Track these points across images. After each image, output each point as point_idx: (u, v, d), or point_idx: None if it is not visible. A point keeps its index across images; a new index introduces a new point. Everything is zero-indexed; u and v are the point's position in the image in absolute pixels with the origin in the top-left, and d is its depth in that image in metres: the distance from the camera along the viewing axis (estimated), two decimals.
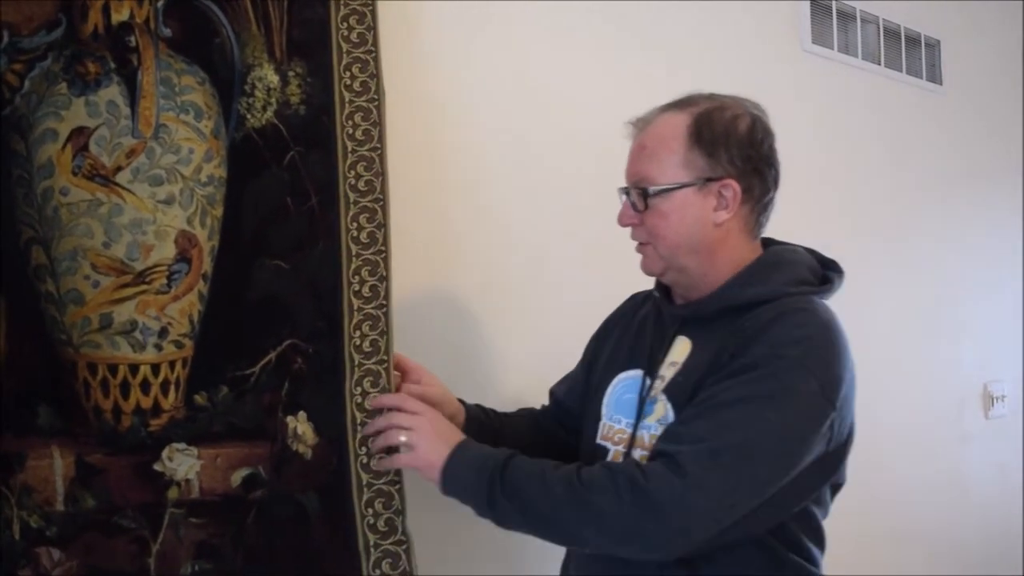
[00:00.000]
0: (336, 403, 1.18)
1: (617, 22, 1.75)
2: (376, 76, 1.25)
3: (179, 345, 1.12)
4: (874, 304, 2.31)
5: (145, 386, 1.09)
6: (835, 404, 1.06)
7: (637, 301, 1.34)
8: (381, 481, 1.17)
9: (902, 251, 2.51)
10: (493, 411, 1.35)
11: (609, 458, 1.18)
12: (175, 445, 1.10)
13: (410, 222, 1.40)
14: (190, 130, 1.13)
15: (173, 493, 1.10)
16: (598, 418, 1.24)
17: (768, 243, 1.23)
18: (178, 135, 1.12)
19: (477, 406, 1.33)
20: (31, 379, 1.03)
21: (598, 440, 1.22)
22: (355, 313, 1.20)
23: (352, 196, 1.21)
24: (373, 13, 1.27)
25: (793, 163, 2.08)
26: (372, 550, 1.16)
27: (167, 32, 1.12)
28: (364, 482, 1.17)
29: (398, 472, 1.17)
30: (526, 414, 1.40)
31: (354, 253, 1.21)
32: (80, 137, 1.06)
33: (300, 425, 1.17)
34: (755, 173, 1.15)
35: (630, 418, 1.18)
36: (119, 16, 1.09)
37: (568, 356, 1.41)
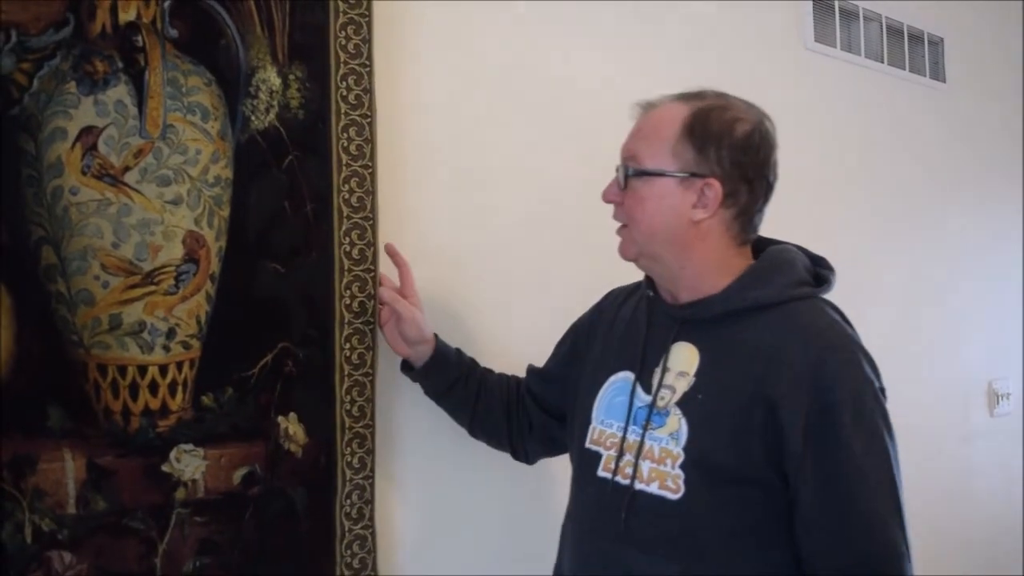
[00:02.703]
0: (327, 407, 1.25)
1: (618, 20, 1.75)
2: (369, 92, 1.28)
3: (187, 346, 1.12)
4: (877, 301, 2.30)
5: (153, 387, 1.10)
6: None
7: (617, 298, 1.33)
8: (359, 476, 1.27)
9: (905, 249, 2.51)
10: (471, 363, 1.37)
11: (601, 463, 1.18)
12: (183, 446, 1.12)
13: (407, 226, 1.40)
14: (197, 131, 1.13)
15: (180, 494, 1.11)
16: (588, 422, 1.23)
17: (759, 241, 1.21)
18: (185, 136, 1.12)
19: (456, 350, 1.35)
20: (41, 380, 1.03)
21: (587, 444, 1.22)
22: (345, 326, 1.26)
23: (346, 211, 1.25)
24: (369, 25, 1.28)
25: (796, 161, 2.09)
26: (346, 534, 1.26)
27: (173, 33, 1.12)
28: (347, 478, 1.26)
29: (371, 468, 1.29)
30: (502, 386, 1.39)
31: (346, 267, 1.25)
32: (89, 136, 1.06)
33: (291, 426, 1.21)
34: (743, 180, 1.12)
35: (621, 421, 1.18)
36: (126, 16, 1.09)
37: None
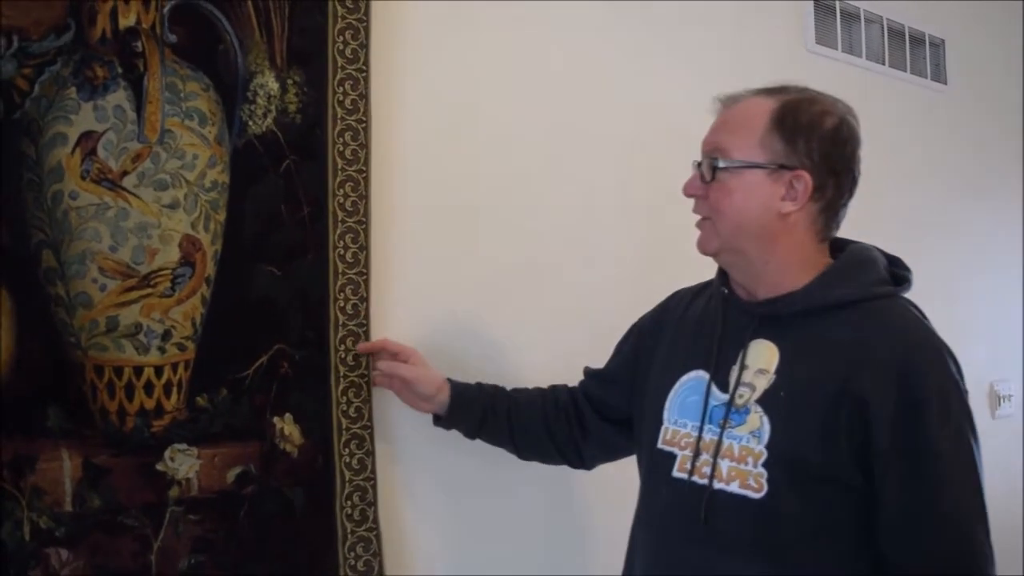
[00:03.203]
0: (323, 408, 1.26)
1: (618, 22, 1.75)
2: (365, 97, 1.29)
3: (182, 348, 1.14)
4: None
5: (148, 388, 1.11)
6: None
7: (684, 298, 1.31)
8: (360, 478, 1.28)
9: (906, 251, 2.47)
10: (493, 391, 1.35)
11: (676, 463, 1.16)
12: (176, 446, 1.13)
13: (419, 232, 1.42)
14: (194, 136, 1.15)
15: (174, 492, 1.13)
16: (659, 423, 1.20)
17: (836, 241, 1.20)
18: (183, 141, 1.14)
19: (476, 385, 1.35)
20: (41, 381, 1.05)
21: (660, 445, 1.19)
22: (340, 328, 1.27)
23: (340, 215, 1.27)
24: (367, 30, 1.29)
25: None
26: (348, 536, 1.27)
27: (172, 38, 1.14)
28: (346, 479, 1.27)
29: (372, 470, 1.30)
30: (536, 401, 1.37)
31: (340, 270, 1.27)
32: (88, 141, 1.07)
33: (287, 426, 1.22)
34: (831, 173, 1.12)
35: (696, 421, 1.16)
36: (126, 21, 1.11)
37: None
